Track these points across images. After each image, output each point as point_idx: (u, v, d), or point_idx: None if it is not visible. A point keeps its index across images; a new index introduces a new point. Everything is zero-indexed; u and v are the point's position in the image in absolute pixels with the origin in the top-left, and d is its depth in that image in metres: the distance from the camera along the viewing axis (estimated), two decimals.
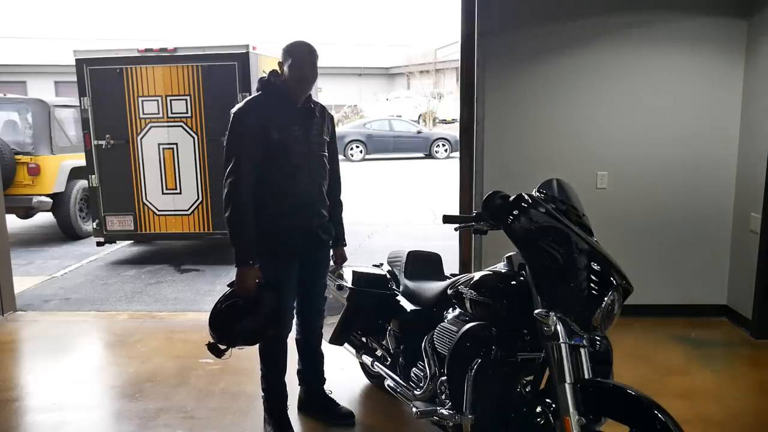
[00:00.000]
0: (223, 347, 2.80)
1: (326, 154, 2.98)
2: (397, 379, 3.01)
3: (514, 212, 2.29)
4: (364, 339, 3.42)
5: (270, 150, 2.75)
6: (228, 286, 2.83)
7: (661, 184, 4.49)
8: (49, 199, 7.57)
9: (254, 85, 6.35)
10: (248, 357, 4.05)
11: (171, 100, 6.40)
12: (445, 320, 2.68)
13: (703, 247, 4.56)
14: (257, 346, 2.99)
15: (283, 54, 2.83)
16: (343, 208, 3.20)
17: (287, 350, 3.08)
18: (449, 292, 2.63)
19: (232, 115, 2.79)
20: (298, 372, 3.30)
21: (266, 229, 2.81)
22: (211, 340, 2.81)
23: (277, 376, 3.07)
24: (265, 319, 2.79)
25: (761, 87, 4.18)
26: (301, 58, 2.79)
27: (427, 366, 2.72)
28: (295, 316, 3.11)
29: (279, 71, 2.86)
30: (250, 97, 2.91)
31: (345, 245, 3.25)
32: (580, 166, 4.44)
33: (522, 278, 2.32)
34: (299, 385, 3.32)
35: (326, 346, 3.32)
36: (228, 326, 2.78)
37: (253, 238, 2.76)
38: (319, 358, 3.28)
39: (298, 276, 2.97)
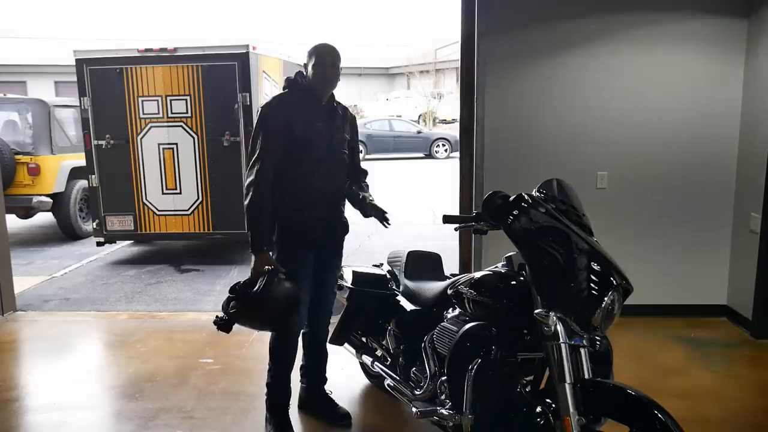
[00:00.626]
0: (229, 322, 2.78)
1: (346, 151, 3.07)
2: (397, 379, 3.01)
3: (514, 212, 2.29)
4: (364, 339, 3.42)
5: (293, 144, 2.85)
6: (229, 291, 2.83)
7: (661, 184, 4.49)
8: (49, 199, 7.57)
9: (254, 85, 6.41)
10: (249, 357, 4.06)
11: (171, 100, 6.40)
12: (445, 320, 2.68)
13: (703, 247, 4.56)
14: (264, 342, 3.01)
15: (308, 55, 2.93)
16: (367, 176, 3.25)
17: (297, 346, 3.11)
18: (449, 292, 2.63)
19: (259, 110, 2.94)
20: (302, 368, 3.31)
21: (286, 224, 2.91)
22: (219, 316, 2.80)
23: (283, 371, 3.08)
24: (285, 304, 2.79)
25: (761, 87, 4.18)
26: (323, 59, 2.89)
27: (427, 366, 2.72)
28: None
29: (304, 72, 2.96)
30: (278, 93, 3.05)
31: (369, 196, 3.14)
32: (580, 166, 4.44)
33: (522, 278, 2.32)
34: (301, 380, 3.33)
35: (328, 346, 3.32)
36: (241, 301, 2.77)
37: (269, 226, 2.85)
38: (324, 357, 3.30)
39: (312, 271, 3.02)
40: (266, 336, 3.11)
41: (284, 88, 3.00)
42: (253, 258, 2.84)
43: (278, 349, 3.06)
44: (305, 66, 2.94)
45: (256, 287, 2.71)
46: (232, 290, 2.82)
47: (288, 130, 2.84)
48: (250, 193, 2.81)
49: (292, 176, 2.89)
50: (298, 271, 2.89)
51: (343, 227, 3.09)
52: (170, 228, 6.66)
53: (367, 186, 3.23)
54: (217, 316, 2.82)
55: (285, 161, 2.86)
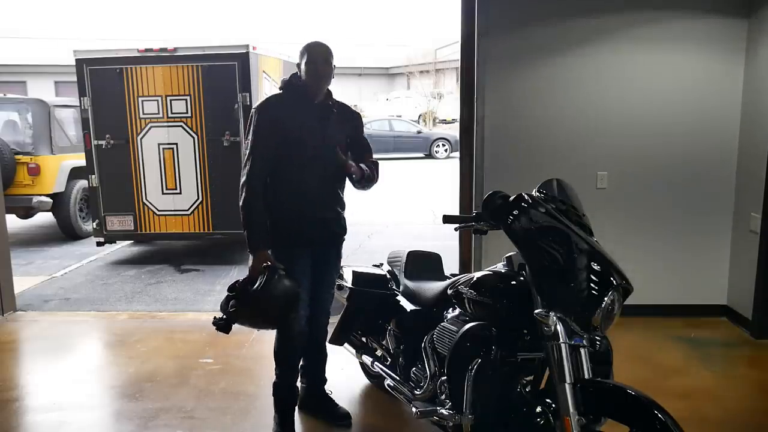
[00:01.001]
0: (228, 321, 2.79)
1: (343, 143, 3.01)
2: (397, 379, 3.01)
3: (514, 212, 2.29)
4: (364, 339, 3.42)
5: (286, 144, 2.86)
6: (228, 290, 2.83)
7: (661, 183, 4.49)
8: (49, 199, 7.57)
9: (254, 85, 6.41)
10: (249, 357, 4.06)
11: (171, 100, 6.39)
12: (445, 320, 2.68)
13: (703, 247, 4.56)
14: (265, 341, 3.00)
15: (299, 54, 2.92)
16: (377, 169, 3.11)
17: (301, 348, 3.11)
18: (449, 292, 2.64)
19: (252, 110, 2.94)
20: (301, 368, 3.31)
21: (282, 223, 2.90)
22: (218, 316, 2.81)
23: (288, 372, 3.09)
24: (285, 301, 2.79)
25: (761, 86, 4.18)
26: (315, 56, 2.88)
27: (427, 366, 2.72)
28: None
29: (297, 71, 2.95)
30: (272, 94, 3.05)
31: (362, 169, 3.02)
32: (580, 166, 4.44)
33: (522, 278, 2.32)
34: (301, 380, 3.32)
35: (328, 347, 3.32)
36: (238, 300, 2.78)
37: (263, 224, 2.85)
38: (323, 357, 3.30)
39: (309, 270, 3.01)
40: (266, 336, 3.11)
41: (279, 89, 3.01)
42: (250, 257, 2.84)
43: (282, 350, 3.07)
44: (298, 66, 2.93)
45: (256, 285, 2.71)
46: (231, 289, 2.82)
47: (279, 129, 2.85)
48: (243, 193, 2.85)
49: (286, 176, 2.89)
50: (294, 270, 2.89)
51: (340, 227, 3.08)
52: (170, 228, 6.66)
53: (372, 166, 3.08)
54: (215, 317, 2.81)
55: (279, 161, 2.87)
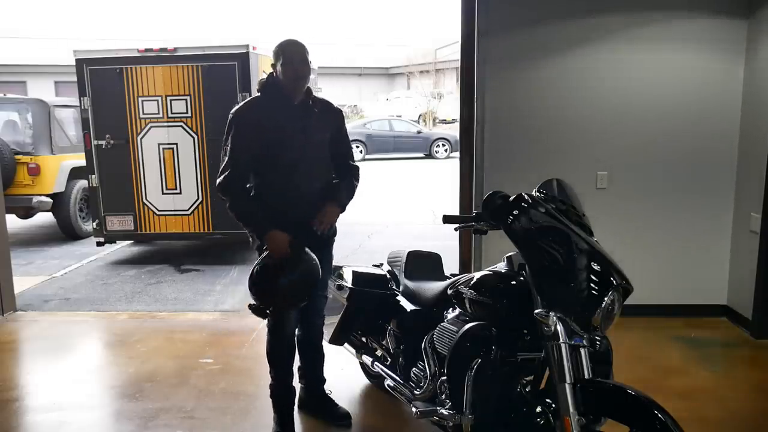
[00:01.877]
0: (263, 307, 2.82)
1: (326, 151, 2.99)
2: (397, 379, 3.01)
3: (514, 212, 2.29)
4: (364, 339, 3.42)
5: (266, 147, 2.81)
6: (257, 273, 2.81)
7: (661, 183, 4.49)
8: (49, 199, 7.57)
9: (254, 86, 6.39)
10: (249, 357, 4.06)
11: (171, 100, 6.40)
12: (445, 320, 2.68)
13: (703, 247, 4.56)
14: (263, 345, 3.02)
15: (274, 55, 2.88)
16: (356, 174, 3.10)
17: (294, 349, 3.11)
18: (449, 292, 2.64)
19: (230, 115, 2.89)
20: (299, 368, 3.32)
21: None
22: (252, 302, 2.83)
23: (282, 373, 3.09)
24: (307, 272, 2.80)
25: (761, 86, 4.18)
26: (292, 56, 2.84)
27: (427, 366, 2.72)
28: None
29: (274, 72, 2.90)
30: (249, 98, 3.00)
31: (339, 205, 3.00)
32: (580, 166, 4.44)
33: (522, 278, 2.32)
34: (299, 380, 3.32)
35: (326, 346, 3.32)
36: (271, 282, 2.78)
37: (258, 210, 2.83)
38: (320, 357, 3.29)
39: None
40: (266, 336, 3.11)
41: (257, 91, 2.95)
42: (260, 246, 2.82)
43: (274, 351, 3.06)
44: (273, 66, 2.88)
45: (293, 261, 2.73)
46: (262, 271, 2.77)
47: (259, 133, 2.80)
48: (227, 196, 2.83)
49: (269, 178, 2.86)
50: None
51: (329, 229, 3.02)
52: (170, 228, 6.66)
53: (348, 186, 3.05)
54: (250, 303, 2.83)
55: (261, 164, 2.84)
